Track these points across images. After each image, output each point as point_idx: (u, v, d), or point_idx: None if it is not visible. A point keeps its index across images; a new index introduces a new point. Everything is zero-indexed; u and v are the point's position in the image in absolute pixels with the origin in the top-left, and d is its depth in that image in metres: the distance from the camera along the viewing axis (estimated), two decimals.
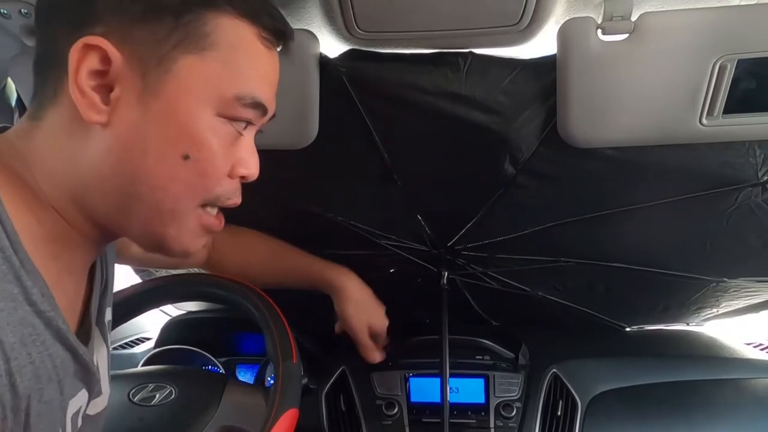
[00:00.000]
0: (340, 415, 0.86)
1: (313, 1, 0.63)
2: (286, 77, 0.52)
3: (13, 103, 0.82)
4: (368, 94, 0.70)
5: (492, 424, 0.83)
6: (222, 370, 1.09)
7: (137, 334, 1.31)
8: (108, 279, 0.56)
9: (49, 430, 0.40)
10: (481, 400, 0.85)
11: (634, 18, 0.57)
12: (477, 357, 0.90)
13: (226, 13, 0.42)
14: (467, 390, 0.86)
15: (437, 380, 0.82)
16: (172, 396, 0.73)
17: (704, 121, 0.60)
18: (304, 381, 0.84)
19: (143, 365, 1.05)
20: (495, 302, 0.86)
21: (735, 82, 0.58)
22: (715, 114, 0.60)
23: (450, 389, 0.82)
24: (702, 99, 0.59)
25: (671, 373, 0.86)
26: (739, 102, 0.59)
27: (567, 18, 0.60)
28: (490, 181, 0.76)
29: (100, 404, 0.52)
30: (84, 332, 0.48)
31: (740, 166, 0.67)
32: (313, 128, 0.70)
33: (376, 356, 0.85)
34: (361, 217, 0.87)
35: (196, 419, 0.70)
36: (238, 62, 0.43)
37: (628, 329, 1.03)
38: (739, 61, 0.56)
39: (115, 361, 0.57)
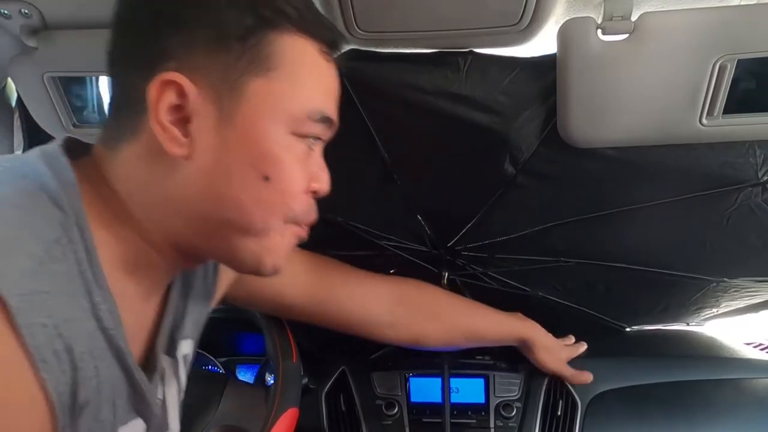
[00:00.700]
0: (340, 415, 0.86)
1: (313, 2, 0.63)
2: None
3: (13, 103, 0.82)
4: (368, 94, 0.69)
5: (492, 424, 0.83)
6: (222, 370, 1.08)
7: None
8: (187, 310, 0.55)
9: None
10: (481, 400, 0.85)
11: (634, 18, 0.57)
12: (477, 357, 0.90)
13: (287, 32, 0.43)
14: (467, 390, 0.86)
15: (437, 380, 0.82)
16: None
17: (704, 121, 0.60)
18: (304, 381, 0.84)
19: None
20: (495, 302, 0.86)
21: (735, 82, 0.58)
22: (715, 114, 0.60)
23: (450, 389, 0.82)
24: (702, 99, 0.59)
25: (671, 373, 0.86)
26: (739, 102, 0.59)
27: (567, 18, 0.60)
28: (490, 181, 0.76)
29: None
30: (148, 359, 0.48)
31: (740, 166, 0.67)
32: None
33: (586, 377, 0.85)
34: (361, 217, 0.87)
35: (196, 419, 0.70)
36: (303, 79, 0.44)
37: (628, 329, 1.03)
38: (739, 61, 0.56)
39: None
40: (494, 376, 0.87)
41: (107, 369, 0.40)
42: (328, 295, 0.75)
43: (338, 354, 0.92)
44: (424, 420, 0.84)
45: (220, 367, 1.09)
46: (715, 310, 0.97)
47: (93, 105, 0.77)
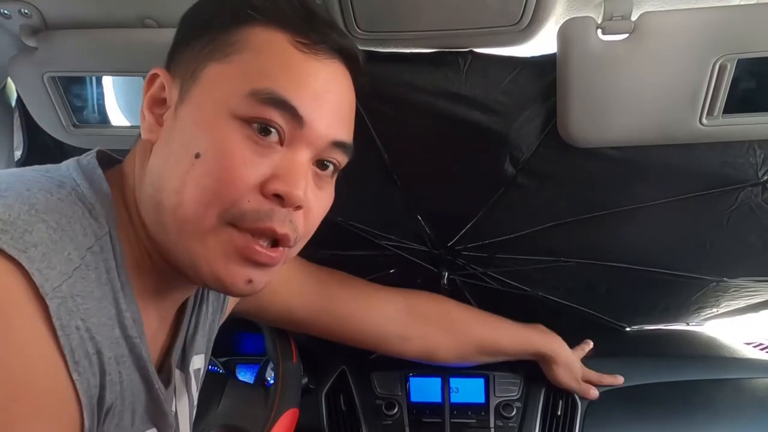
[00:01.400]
0: (340, 415, 0.86)
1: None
2: None
3: (13, 103, 0.82)
4: (368, 94, 0.69)
5: (492, 424, 0.83)
6: (222, 370, 1.08)
7: None
8: (199, 325, 0.55)
9: None
10: (481, 399, 0.85)
11: (634, 18, 0.57)
12: None
13: (255, 23, 0.43)
14: (467, 390, 0.86)
15: (437, 380, 0.82)
16: None
17: (704, 120, 0.60)
18: (304, 381, 0.84)
19: None
20: (495, 302, 0.86)
21: (735, 82, 0.58)
22: (715, 114, 0.60)
23: (450, 389, 0.82)
24: (702, 99, 0.59)
25: (671, 373, 0.86)
26: (739, 102, 0.59)
27: (567, 18, 0.60)
28: (490, 181, 0.76)
29: None
30: (161, 373, 0.48)
31: (740, 165, 0.67)
32: None
33: (594, 393, 0.84)
34: (360, 217, 0.87)
35: (196, 419, 0.70)
36: (261, 63, 0.42)
37: (628, 329, 1.03)
38: (739, 61, 0.56)
39: None
40: (494, 376, 0.87)
41: (129, 376, 0.41)
42: (337, 309, 0.74)
43: (338, 354, 0.92)
44: (424, 420, 0.84)
45: (220, 367, 1.09)
46: (715, 310, 0.97)
47: (93, 105, 0.77)
